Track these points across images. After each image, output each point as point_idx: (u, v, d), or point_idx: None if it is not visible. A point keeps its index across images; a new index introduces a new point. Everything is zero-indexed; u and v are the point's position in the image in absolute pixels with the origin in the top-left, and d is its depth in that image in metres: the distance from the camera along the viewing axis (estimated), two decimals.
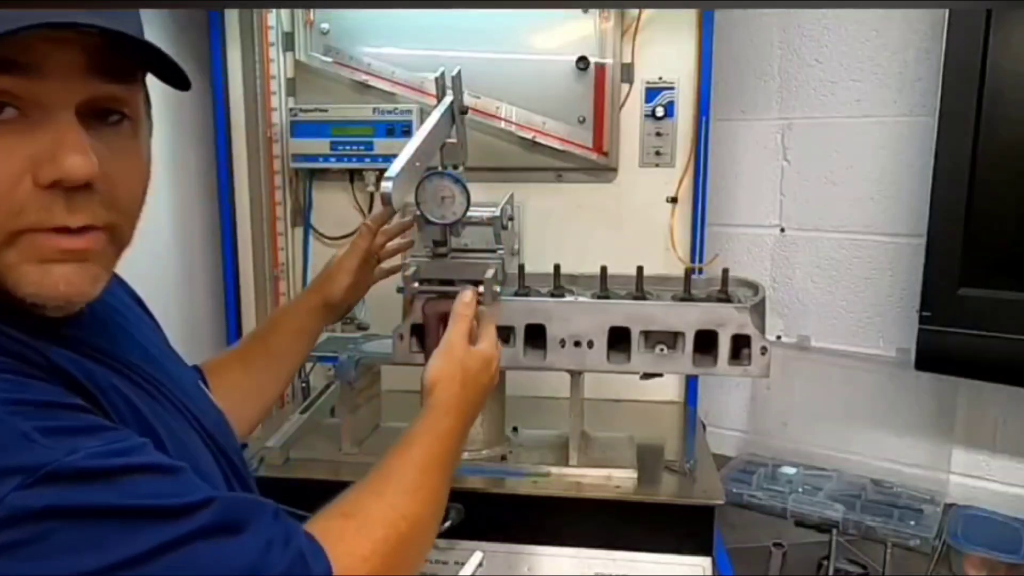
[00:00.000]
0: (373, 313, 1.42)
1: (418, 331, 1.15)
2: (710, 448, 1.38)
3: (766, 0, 1.38)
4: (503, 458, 1.25)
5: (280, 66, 1.62)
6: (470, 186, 1.09)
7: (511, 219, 1.24)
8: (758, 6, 1.62)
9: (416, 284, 1.12)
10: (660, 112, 1.55)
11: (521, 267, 1.21)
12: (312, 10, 1.56)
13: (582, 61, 1.52)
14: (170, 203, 1.60)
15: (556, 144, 1.56)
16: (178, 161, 1.62)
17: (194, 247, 1.68)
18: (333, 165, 1.60)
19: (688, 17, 1.52)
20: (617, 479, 1.20)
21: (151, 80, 0.62)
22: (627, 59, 1.54)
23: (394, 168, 0.96)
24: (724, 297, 1.16)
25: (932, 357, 1.43)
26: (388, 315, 1.22)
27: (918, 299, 1.43)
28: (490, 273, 1.11)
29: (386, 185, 0.94)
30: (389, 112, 1.56)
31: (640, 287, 1.17)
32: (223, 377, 0.99)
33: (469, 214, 1.10)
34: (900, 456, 1.61)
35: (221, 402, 0.86)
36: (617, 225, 1.60)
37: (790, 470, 1.62)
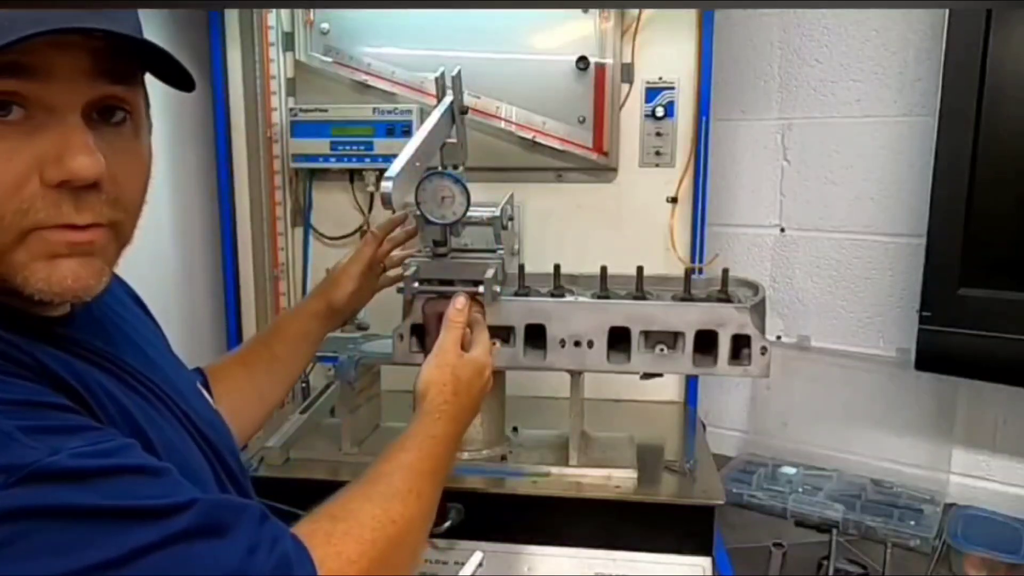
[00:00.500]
0: (373, 313, 1.42)
1: (418, 331, 1.15)
2: (710, 448, 1.38)
3: (766, 0, 1.38)
4: (503, 458, 1.25)
5: (280, 66, 1.62)
6: (470, 186, 1.09)
7: (511, 219, 1.24)
8: (758, 6, 1.62)
9: (416, 284, 1.12)
10: (660, 112, 1.55)
11: (521, 267, 1.21)
12: (312, 10, 1.56)
13: (582, 61, 1.52)
14: (170, 203, 1.60)
15: (556, 144, 1.56)
16: (178, 161, 1.62)
17: (194, 247, 1.68)
18: (333, 165, 1.60)
19: (688, 17, 1.52)
20: (617, 479, 1.20)
21: (150, 80, 0.63)
22: (627, 59, 1.54)
23: (394, 168, 0.96)
24: (724, 297, 1.16)
25: (932, 357, 1.43)
26: (388, 315, 1.22)
27: (918, 299, 1.43)
28: (490, 273, 1.11)
29: (386, 185, 0.94)
30: (389, 112, 1.56)
31: (640, 287, 1.17)
32: (225, 380, 0.99)
33: (469, 214, 1.10)
34: (900, 456, 1.61)
35: (223, 405, 0.87)
36: (617, 225, 1.60)
37: (790, 470, 1.62)
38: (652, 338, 1.14)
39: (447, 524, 1.11)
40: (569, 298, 1.17)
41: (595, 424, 1.32)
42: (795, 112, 1.70)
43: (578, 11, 1.50)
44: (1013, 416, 1.54)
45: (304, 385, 1.59)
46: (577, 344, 1.14)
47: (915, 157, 1.55)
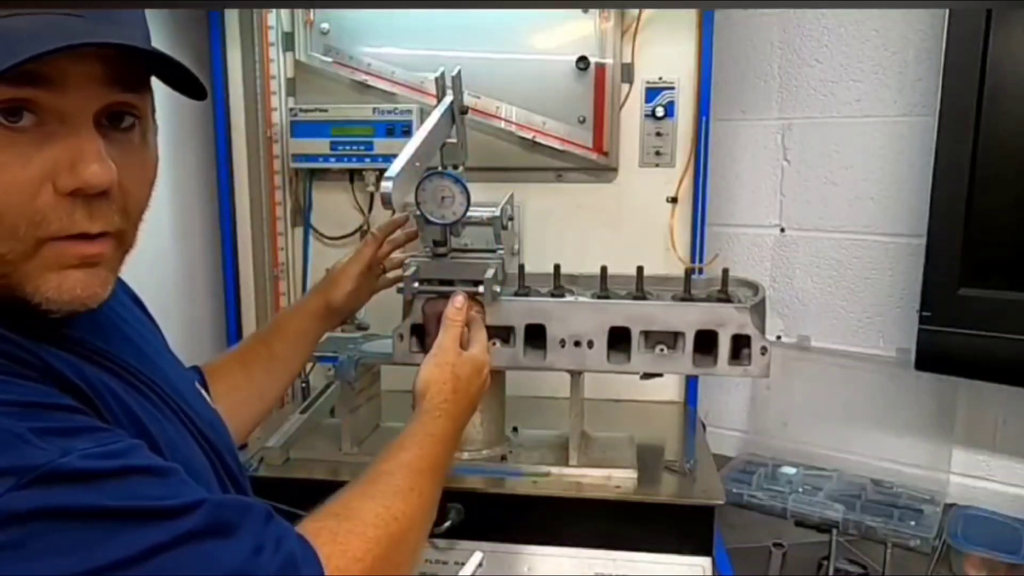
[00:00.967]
0: (373, 313, 1.42)
1: (418, 331, 1.15)
2: (710, 448, 1.38)
3: (766, 0, 1.38)
4: (503, 458, 1.25)
5: (280, 66, 1.62)
6: (470, 186, 1.09)
7: (511, 219, 1.24)
8: (758, 6, 1.62)
9: (416, 284, 1.12)
10: (660, 112, 1.55)
11: (521, 267, 1.21)
12: (312, 10, 1.56)
13: (582, 61, 1.52)
14: (170, 203, 1.60)
15: (556, 144, 1.56)
16: (178, 161, 1.62)
17: (194, 247, 1.68)
18: (333, 165, 1.60)
19: (688, 17, 1.52)
20: (617, 479, 1.20)
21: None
22: (627, 59, 1.54)
23: (394, 168, 0.96)
24: (724, 297, 1.16)
25: (932, 357, 1.43)
26: (388, 315, 1.22)
27: (918, 299, 1.43)
28: (490, 273, 1.11)
29: (386, 185, 0.94)
30: (389, 112, 1.56)
31: (640, 287, 1.17)
32: (223, 379, 0.99)
33: (469, 214, 1.10)
34: (900, 456, 1.61)
35: (221, 404, 0.87)
36: (617, 225, 1.60)
37: (790, 470, 1.62)
38: (652, 338, 1.14)
39: (447, 524, 1.11)
40: (569, 298, 1.17)
41: (595, 424, 1.32)
42: (795, 112, 1.70)
43: (578, 11, 1.50)
44: (1013, 416, 1.54)
45: (304, 385, 1.59)
46: (577, 344, 1.14)
47: (915, 157, 1.55)
